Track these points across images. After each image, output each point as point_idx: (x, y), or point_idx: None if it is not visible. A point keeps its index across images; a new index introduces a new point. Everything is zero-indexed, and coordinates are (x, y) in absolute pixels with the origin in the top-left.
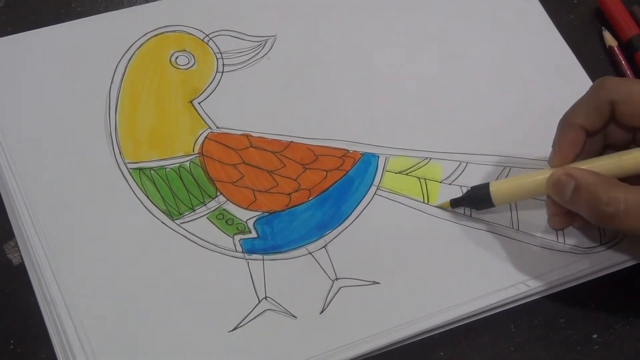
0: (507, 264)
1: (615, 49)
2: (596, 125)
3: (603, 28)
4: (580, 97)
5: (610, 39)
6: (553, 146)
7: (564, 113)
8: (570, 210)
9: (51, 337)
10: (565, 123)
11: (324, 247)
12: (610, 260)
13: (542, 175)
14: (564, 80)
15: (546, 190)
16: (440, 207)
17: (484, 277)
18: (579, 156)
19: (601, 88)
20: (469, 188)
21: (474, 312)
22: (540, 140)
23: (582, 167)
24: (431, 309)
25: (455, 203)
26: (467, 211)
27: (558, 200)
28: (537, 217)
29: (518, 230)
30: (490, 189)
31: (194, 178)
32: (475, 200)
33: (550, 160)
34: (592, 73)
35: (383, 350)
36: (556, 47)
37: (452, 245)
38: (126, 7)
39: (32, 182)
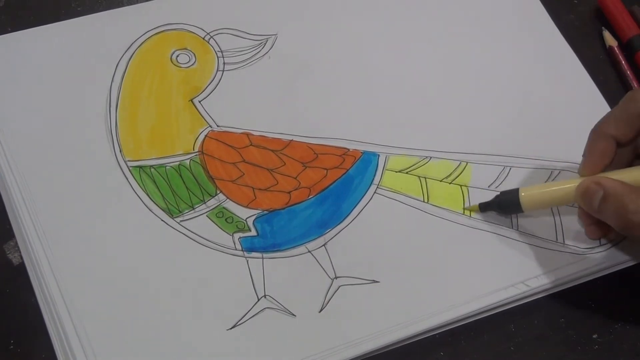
0: (506, 264)
1: (615, 49)
2: (627, 136)
3: (603, 28)
4: (577, 96)
5: (610, 39)
6: (583, 155)
7: (564, 113)
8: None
9: (51, 337)
10: (597, 133)
11: (324, 245)
12: (610, 260)
13: (572, 184)
14: (565, 80)
15: (575, 199)
16: (469, 209)
17: (484, 276)
18: (608, 166)
19: (632, 100)
20: (499, 192)
21: (474, 312)
22: (541, 140)
23: (611, 177)
24: (430, 309)
25: (483, 207)
26: (467, 211)
27: (586, 208)
28: (537, 217)
29: (518, 230)
30: (520, 194)
31: (194, 176)
32: (504, 206)
33: (580, 169)
34: (592, 73)
35: (383, 350)
36: (557, 47)
37: (451, 244)
38: (126, 6)
39: (32, 182)
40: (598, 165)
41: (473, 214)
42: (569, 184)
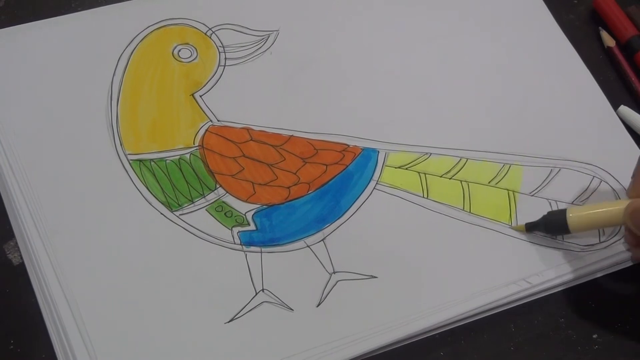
0: (507, 260)
1: (614, 49)
2: None
3: (600, 28)
4: (579, 94)
5: (608, 39)
6: (632, 177)
7: (566, 111)
8: None
9: (51, 337)
10: None
11: (322, 240)
12: (610, 260)
13: (620, 205)
14: (566, 78)
15: (623, 220)
16: (515, 229)
17: (484, 273)
18: None
19: None
20: (545, 214)
21: (475, 309)
22: (541, 138)
23: None
24: (428, 305)
25: (530, 227)
26: (467, 207)
27: (634, 229)
28: (537, 215)
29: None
30: (567, 216)
31: (193, 170)
32: (551, 226)
33: (628, 191)
34: (592, 73)
35: (383, 350)
36: (559, 46)
37: (451, 241)
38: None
39: (32, 177)
40: None
41: (472, 211)
42: (617, 206)
